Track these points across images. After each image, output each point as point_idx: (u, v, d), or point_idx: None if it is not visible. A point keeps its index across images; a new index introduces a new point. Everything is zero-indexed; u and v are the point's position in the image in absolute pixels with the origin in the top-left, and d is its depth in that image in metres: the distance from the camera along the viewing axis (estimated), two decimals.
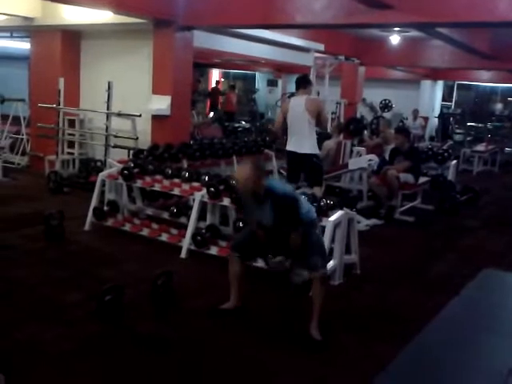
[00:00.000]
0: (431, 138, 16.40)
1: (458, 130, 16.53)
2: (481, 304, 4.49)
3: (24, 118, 9.53)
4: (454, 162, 8.82)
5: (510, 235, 6.69)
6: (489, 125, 16.07)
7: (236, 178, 3.63)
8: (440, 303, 4.24)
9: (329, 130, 8.76)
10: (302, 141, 5.89)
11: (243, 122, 15.39)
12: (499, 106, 18.60)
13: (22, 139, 9.42)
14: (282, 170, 7.74)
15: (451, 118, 17.40)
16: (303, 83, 6.06)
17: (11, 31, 10.08)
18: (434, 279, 4.99)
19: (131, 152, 6.95)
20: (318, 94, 10.36)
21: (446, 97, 19.20)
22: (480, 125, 16.15)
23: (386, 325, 3.90)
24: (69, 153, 8.52)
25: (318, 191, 5.98)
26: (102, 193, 5.90)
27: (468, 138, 15.00)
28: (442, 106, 18.62)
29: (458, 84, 18.97)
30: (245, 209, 3.83)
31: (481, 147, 12.65)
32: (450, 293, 4.48)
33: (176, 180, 5.46)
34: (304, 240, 3.53)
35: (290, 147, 6.02)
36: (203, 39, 8.04)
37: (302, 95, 5.99)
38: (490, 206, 8.42)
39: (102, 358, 3.22)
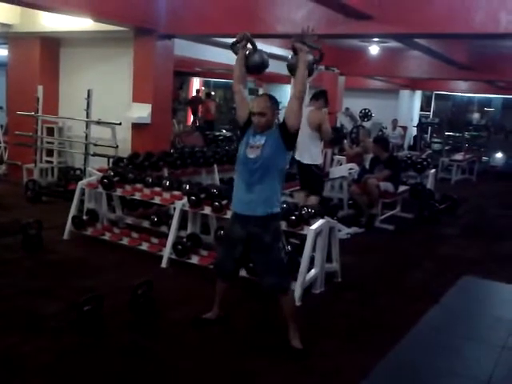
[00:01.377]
0: (410, 147, 16.59)
1: (436, 140, 16.77)
2: (460, 311, 4.55)
3: (1, 126, 9.41)
4: (433, 170, 8.93)
5: (487, 243, 6.78)
6: (466, 134, 16.32)
7: (253, 109, 3.45)
8: (420, 310, 4.29)
9: None
10: (303, 151, 6.06)
11: (224, 131, 15.39)
12: (476, 116, 18.93)
13: (0, 147, 9.28)
14: None
15: (429, 128, 17.64)
16: (315, 96, 6.33)
17: None
18: (414, 287, 5.02)
19: (111, 160, 6.90)
20: None
21: (424, 106, 19.49)
22: (458, 134, 16.41)
23: (367, 332, 3.91)
24: (47, 161, 8.43)
25: (314, 200, 6.05)
26: (82, 202, 5.84)
27: (446, 148, 15.22)
28: (421, 116, 18.87)
29: (436, 94, 19.27)
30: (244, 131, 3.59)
31: (459, 156, 12.85)
32: (430, 300, 4.55)
33: (156, 189, 5.43)
34: (263, 254, 3.48)
35: (296, 156, 6.14)
36: (184, 48, 8.05)
37: (309, 107, 6.15)
38: (468, 215, 8.54)
39: (82, 370, 3.16)
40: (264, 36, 7.94)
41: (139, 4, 6.96)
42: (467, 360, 3.68)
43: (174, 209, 5.20)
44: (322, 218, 4.61)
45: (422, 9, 5.91)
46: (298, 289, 4.21)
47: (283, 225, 4.27)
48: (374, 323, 4.09)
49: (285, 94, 15.58)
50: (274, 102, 3.49)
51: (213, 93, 18.19)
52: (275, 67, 11.57)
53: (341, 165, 8.60)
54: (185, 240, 5.11)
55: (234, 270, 3.73)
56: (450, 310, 4.54)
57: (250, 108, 3.51)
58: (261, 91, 18.37)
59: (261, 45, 9.83)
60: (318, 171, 6.23)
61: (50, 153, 8.47)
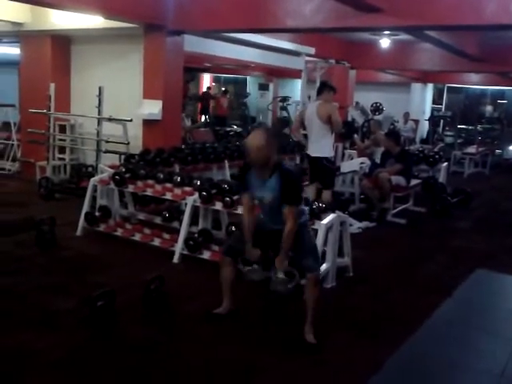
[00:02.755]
0: (422, 141, 16.48)
1: (448, 133, 16.62)
2: (474, 304, 4.53)
3: (14, 124, 9.48)
4: (445, 164, 8.87)
5: (500, 236, 6.73)
6: (479, 127, 16.16)
7: (248, 146, 3.38)
8: (433, 304, 4.28)
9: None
10: (314, 144, 6.13)
11: (235, 126, 15.40)
12: (489, 109, 18.73)
13: (13, 145, 9.37)
14: None
15: (441, 121, 17.49)
16: (320, 89, 6.32)
17: (0, 37, 10.03)
18: (427, 280, 5.00)
19: (122, 157, 6.94)
20: (309, 97, 10.40)
21: (437, 99, 19.32)
22: (470, 127, 16.25)
23: (380, 326, 3.90)
24: (60, 158, 8.49)
25: (327, 194, 6.06)
26: (94, 198, 5.88)
27: (459, 141, 15.09)
28: (433, 109, 18.72)
29: (448, 87, 19.10)
30: (245, 183, 3.59)
31: (471, 149, 12.73)
32: (443, 294, 4.53)
33: (168, 185, 5.44)
34: (296, 241, 3.49)
35: (307, 150, 6.29)
36: (194, 43, 8.05)
37: (317, 101, 6.22)
38: (481, 208, 8.47)
39: (96, 365, 3.19)
40: (273, 30, 7.94)
41: (148, 0, 6.97)
42: (481, 353, 3.66)
43: (186, 204, 5.22)
44: (333, 212, 4.60)
45: (432, 0, 5.86)
46: None
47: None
48: (387, 317, 4.08)
49: (296, 87, 15.58)
50: (271, 136, 3.39)
51: (226, 88, 18.21)
52: (285, 62, 11.59)
53: (352, 159, 8.57)
54: (196, 235, 5.13)
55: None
56: (463, 304, 4.52)
57: (246, 145, 3.46)
58: (271, 86, 18.39)
59: (270, 39, 9.78)
60: (329, 164, 6.22)
61: (62, 150, 8.53)
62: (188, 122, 12.35)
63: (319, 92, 6.32)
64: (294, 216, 3.38)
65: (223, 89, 17.61)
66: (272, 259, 3.57)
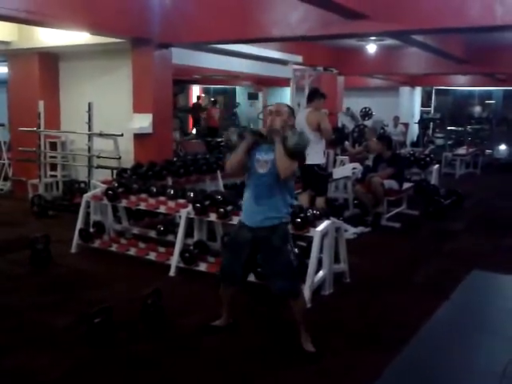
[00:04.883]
0: (413, 144, 16.56)
1: (438, 135, 16.72)
2: (472, 306, 4.54)
3: (4, 143, 9.45)
4: (437, 166, 8.92)
5: (495, 236, 6.75)
6: (468, 128, 16.26)
7: (271, 110, 3.55)
8: (431, 307, 4.28)
9: None
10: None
11: None
12: (477, 109, 18.86)
13: (4, 164, 9.33)
14: None
15: (431, 123, 17.59)
16: (311, 96, 6.36)
17: None
18: (424, 284, 5.00)
19: (115, 172, 6.92)
20: (299, 105, 10.43)
21: (425, 102, 19.45)
22: (460, 128, 16.35)
23: (379, 332, 3.90)
24: (52, 176, 8.47)
25: (320, 201, 6.07)
26: (88, 214, 5.85)
27: (449, 142, 15.17)
28: (422, 112, 18.83)
29: (436, 89, 19.23)
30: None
31: (462, 150, 12.82)
32: (441, 297, 4.54)
33: (161, 198, 5.44)
34: (273, 257, 3.47)
35: None
36: (182, 56, 8.08)
37: (307, 109, 6.25)
38: (474, 209, 8.51)
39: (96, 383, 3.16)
40: (260, 40, 7.96)
41: (134, 15, 6.97)
42: (481, 354, 3.66)
43: (180, 217, 5.21)
44: (328, 219, 4.61)
45: (416, 4, 5.91)
46: (306, 291, 4.20)
47: (289, 228, 4.26)
48: (385, 322, 4.08)
49: (285, 95, 15.61)
50: (291, 110, 3.61)
51: (216, 99, 18.19)
52: (273, 70, 11.64)
53: (344, 165, 8.60)
54: (192, 248, 5.12)
55: (243, 275, 3.70)
56: (461, 306, 4.53)
57: (268, 111, 3.61)
58: (260, 95, 18.42)
59: (257, 49, 9.82)
60: (321, 171, 6.24)
61: (53, 167, 8.51)
62: (176, 135, 12.33)
63: (310, 99, 6.35)
64: None
65: (212, 99, 17.60)
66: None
